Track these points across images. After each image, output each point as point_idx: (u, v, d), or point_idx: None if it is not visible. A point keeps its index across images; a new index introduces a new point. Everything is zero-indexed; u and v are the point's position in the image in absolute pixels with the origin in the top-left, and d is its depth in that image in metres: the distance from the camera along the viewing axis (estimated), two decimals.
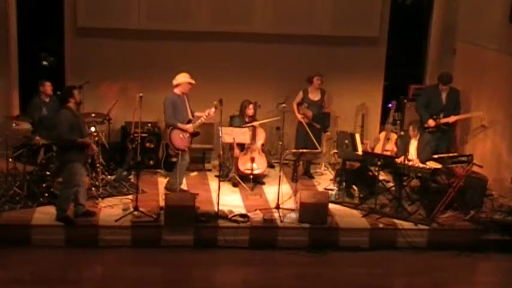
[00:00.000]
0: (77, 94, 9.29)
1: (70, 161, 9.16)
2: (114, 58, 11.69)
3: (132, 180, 10.79)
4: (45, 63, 12.36)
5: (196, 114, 10.46)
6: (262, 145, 11.17)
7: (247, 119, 11.01)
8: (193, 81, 10.31)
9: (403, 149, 10.26)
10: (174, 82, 10.28)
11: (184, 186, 10.68)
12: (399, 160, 9.98)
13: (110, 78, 11.73)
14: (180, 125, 10.26)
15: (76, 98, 9.22)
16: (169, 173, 10.74)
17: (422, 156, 10.27)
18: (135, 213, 9.54)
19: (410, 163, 10.10)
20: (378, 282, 8.93)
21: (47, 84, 10.57)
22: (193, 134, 10.44)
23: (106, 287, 8.56)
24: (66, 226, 9.27)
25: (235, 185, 10.89)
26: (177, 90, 10.30)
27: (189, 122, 10.39)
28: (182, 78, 10.27)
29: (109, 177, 10.71)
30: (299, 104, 11.33)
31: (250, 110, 10.98)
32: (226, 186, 10.73)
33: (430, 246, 9.66)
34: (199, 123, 10.45)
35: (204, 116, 10.42)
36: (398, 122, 11.04)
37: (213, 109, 10.36)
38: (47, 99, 10.53)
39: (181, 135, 10.31)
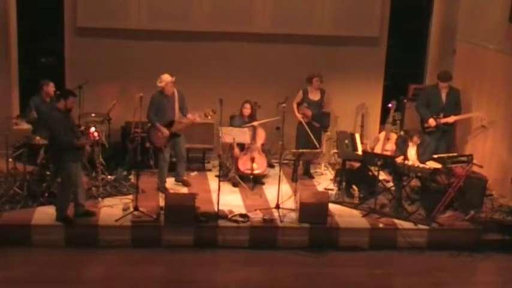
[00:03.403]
0: (71, 101, 9.20)
1: (65, 161, 9.15)
2: (114, 58, 11.70)
3: (132, 180, 10.79)
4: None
5: (189, 116, 10.42)
6: (262, 145, 11.17)
7: (246, 119, 11.02)
8: (162, 84, 10.21)
9: (403, 149, 10.25)
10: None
11: (185, 188, 10.74)
12: (399, 159, 9.97)
13: (110, 78, 11.72)
14: (158, 125, 10.31)
15: (68, 104, 9.15)
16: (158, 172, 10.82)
17: (423, 158, 10.26)
18: (135, 213, 9.54)
19: (410, 163, 10.10)
20: (378, 282, 8.94)
21: (50, 85, 10.50)
22: (172, 136, 10.44)
23: (106, 287, 8.56)
24: (66, 226, 9.27)
25: (235, 185, 10.89)
26: (162, 89, 10.36)
27: (171, 122, 10.40)
28: (159, 83, 10.30)
29: (109, 177, 10.71)
30: (299, 104, 11.33)
31: (246, 110, 10.99)
32: (226, 186, 10.73)
33: (430, 246, 9.66)
34: (182, 126, 10.45)
35: (187, 121, 10.41)
36: (398, 122, 11.04)
37: (202, 115, 10.35)
38: (48, 99, 10.50)
39: (159, 134, 10.36)
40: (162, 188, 10.52)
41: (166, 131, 10.34)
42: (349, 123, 12.17)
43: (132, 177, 10.91)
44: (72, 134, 9.21)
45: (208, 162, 11.83)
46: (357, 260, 9.37)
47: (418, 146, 10.33)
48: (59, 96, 9.29)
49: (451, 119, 11.06)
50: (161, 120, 10.35)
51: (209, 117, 10.44)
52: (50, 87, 10.50)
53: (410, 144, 10.36)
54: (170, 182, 10.84)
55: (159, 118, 10.33)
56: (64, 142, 9.09)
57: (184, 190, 10.64)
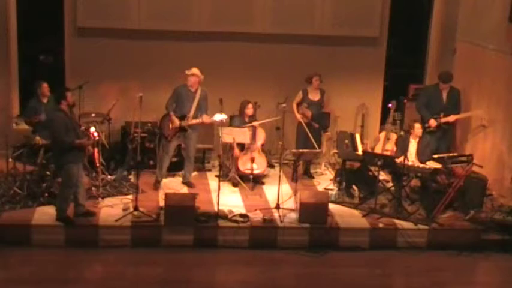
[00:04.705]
0: (70, 96, 9.24)
1: (67, 162, 9.16)
2: (114, 58, 11.69)
3: (132, 180, 10.79)
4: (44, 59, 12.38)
5: (204, 115, 10.47)
6: (262, 145, 11.17)
7: (247, 119, 11.02)
8: (189, 72, 10.43)
9: (403, 149, 10.25)
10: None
11: (184, 187, 10.75)
12: (399, 160, 9.97)
13: (110, 78, 11.72)
14: (171, 114, 10.49)
15: (68, 100, 9.18)
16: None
17: (423, 158, 10.25)
18: (135, 213, 9.54)
19: (410, 163, 10.10)
20: (378, 282, 8.94)
21: (44, 86, 10.49)
22: (181, 129, 10.51)
23: (106, 287, 8.56)
24: (66, 226, 9.27)
25: (235, 185, 10.89)
26: (187, 82, 10.50)
27: (183, 117, 10.44)
28: (187, 71, 10.48)
29: (109, 177, 10.71)
30: (299, 104, 11.33)
31: (249, 110, 10.99)
32: (226, 186, 10.73)
33: (430, 246, 9.66)
34: (191, 123, 10.51)
35: (198, 120, 10.48)
36: (398, 122, 11.04)
37: (212, 118, 10.42)
38: (45, 100, 10.49)
39: (170, 124, 10.49)
40: (156, 183, 10.59)
41: (177, 122, 10.43)
42: (349, 123, 12.17)
43: (132, 177, 10.91)
44: (74, 135, 9.22)
45: (208, 162, 11.83)
46: (357, 260, 9.37)
47: (419, 143, 10.32)
48: (58, 98, 9.25)
49: (451, 118, 11.06)
50: (176, 112, 10.49)
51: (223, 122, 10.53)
52: (44, 88, 10.48)
53: (411, 137, 10.34)
54: (172, 181, 10.87)
55: (175, 109, 10.48)
56: (65, 143, 9.09)
57: (184, 190, 10.64)
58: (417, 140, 10.39)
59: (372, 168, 10.47)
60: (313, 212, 9.61)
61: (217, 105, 10.42)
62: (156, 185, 10.63)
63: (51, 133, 9.34)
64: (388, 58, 12.39)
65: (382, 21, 12.08)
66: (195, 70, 10.47)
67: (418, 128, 10.37)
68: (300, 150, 10.78)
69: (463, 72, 11.85)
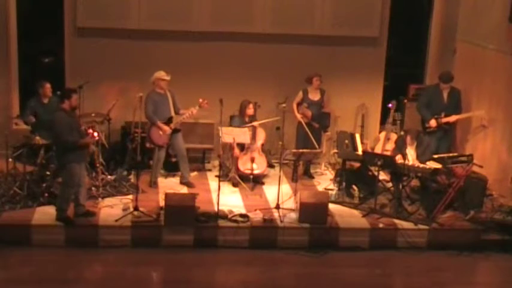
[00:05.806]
0: (75, 99, 9.25)
1: (69, 161, 9.16)
2: (114, 58, 11.70)
3: (132, 180, 10.79)
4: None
5: (182, 111, 10.53)
6: (262, 145, 11.17)
7: (247, 119, 11.02)
8: (165, 78, 10.41)
9: (402, 150, 10.24)
10: (150, 81, 10.49)
11: (184, 187, 10.74)
12: (399, 159, 9.97)
13: (110, 78, 11.72)
14: (159, 123, 10.42)
15: (72, 102, 9.18)
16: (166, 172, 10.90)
17: (423, 158, 10.25)
18: (135, 213, 9.54)
19: (410, 163, 10.09)
20: (378, 282, 8.94)
21: (46, 86, 10.47)
22: (174, 131, 10.51)
23: (106, 287, 8.56)
24: (66, 226, 9.27)
25: (235, 185, 10.89)
26: (156, 88, 10.46)
27: (170, 119, 10.45)
28: (154, 75, 10.46)
29: (109, 177, 10.71)
30: (299, 104, 11.34)
31: (250, 110, 10.99)
32: (226, 186, 10.73)
33: (430, 246, 9.66)
34: (181, 121, 10.54)
35: (187, 115, 10.50)
36: (398, 122, 11.03)
37: (197, 107, 10.47)
38: (46, 100, 10.47)
39: (160, 132, 10.46)
40: (153, 184, 10.64)
41: (167, 128, 10.42)
42: (349, 123, 12.17)
43: (132, 177, 10.92)
44: (77, 134, 9.22)
45: (208, 162, 11.83)
46: (357, 260, 9.37)
47: (417, 147, 10.32)
48: (61, 97, 9.28)
49: (452, 119, 11.06)
50: (160, 118, 10.44)
51: (205, 105, 10.47)
52: (46, 88, 10.45)
53: (408, 146, 10.36)
54: (171, 181, 10.89)
55: (157, 116, 10.42)
56: (69, 142, 9.09)
57: (184, 190, 10.64)
58: (413, 147, 10.34)
59: (372, 168, 10.47)
60: (313, 212, 9.61)
61: (217, 105, 10.39)
62: (153, 185, 10.65)
63: (53, 133, 9.32)
64: (388, 58, 12.39)
65: (382, 21, 12.08)
66: (157, 74, 10.44)
67: (408, 139, 10.34)
68: (300, 150, 10.78)
69: (463, 72, 11.84)
